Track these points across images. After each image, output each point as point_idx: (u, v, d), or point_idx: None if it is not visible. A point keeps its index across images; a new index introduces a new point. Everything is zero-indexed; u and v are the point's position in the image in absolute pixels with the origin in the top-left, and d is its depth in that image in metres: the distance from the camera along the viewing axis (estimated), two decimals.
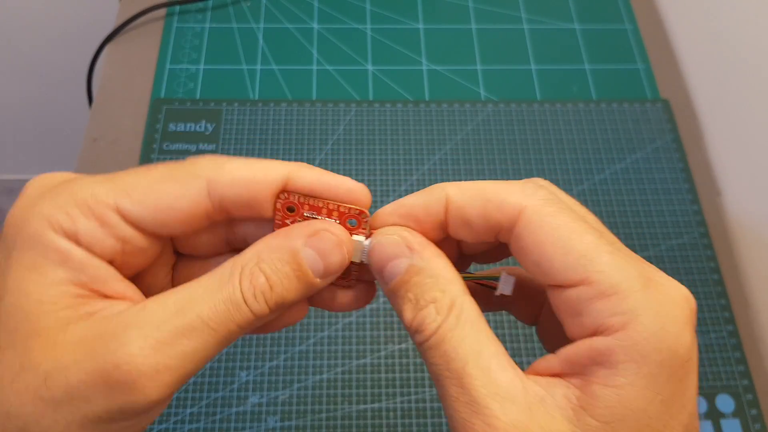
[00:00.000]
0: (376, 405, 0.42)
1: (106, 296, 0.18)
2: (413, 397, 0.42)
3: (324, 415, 0.41)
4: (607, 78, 0.58)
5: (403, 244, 0.20)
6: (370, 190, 0.21)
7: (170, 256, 0.22)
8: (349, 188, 0.20)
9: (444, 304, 0.18)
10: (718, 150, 0.54)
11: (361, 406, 0.42)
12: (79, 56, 0.68)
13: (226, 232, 0.22)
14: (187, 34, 0.59)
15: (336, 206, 0.20)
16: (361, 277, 0.23)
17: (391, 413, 0.42)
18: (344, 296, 0.23)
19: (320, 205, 0.20)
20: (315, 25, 0.60)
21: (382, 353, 0.44)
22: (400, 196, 0.23)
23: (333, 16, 0.61)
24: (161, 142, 0.51)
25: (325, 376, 0.43)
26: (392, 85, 0.57)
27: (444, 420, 0.41)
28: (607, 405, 0.16)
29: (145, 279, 0.21)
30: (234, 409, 0.41)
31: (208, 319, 0.17)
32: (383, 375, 0.43)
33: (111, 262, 0.19)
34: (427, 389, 0.42)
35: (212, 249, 0.22)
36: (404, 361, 0.43)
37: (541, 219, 0.18)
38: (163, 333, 0.16)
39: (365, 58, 0.58)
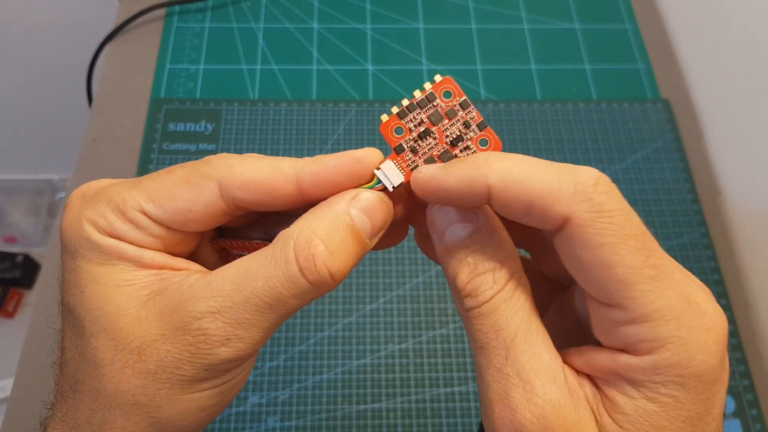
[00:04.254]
0: (376, 405, 0.42)
1: (173, 269, 0.20)
2: (413, 397, 0.42)
3: (324, 415, 0.41)
4: (607, 78, 0.58)
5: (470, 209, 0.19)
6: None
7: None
8: (351, 171, 0.19)
9: (502, 275, 0.18)
10: (718, 150, 0.54)
11: (361, 407, 0.42)
12: (79, 56, 0.68)
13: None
14: (187, 33, 0.59)
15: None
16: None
17: (391, 413, 0.41)
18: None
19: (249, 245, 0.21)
20: (315, 25, 0.60)
21: (382, 353, 0.44)
22: None
23: (333, 15, 0.61)
24: (161, 142, 0.51)
25: (325, 376, 0.43)
26: (392, 85, 0.57)
27: (444, 420, 0.41)
28: (625, 412, 0.17)
29: (197, 258, 0.22)
30: (234, 410, 0.41)
31: (263, 295, 0.18)
32: (383, 375, 0.43)
33: (158, 251, 0.20)
34: (426, 389, 0.42)
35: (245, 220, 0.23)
36: (404, 361, 0.43)
37: (584, 235, 0.17)
38: (226, 308, 0.18)
39: (365, 58, 0.58)
